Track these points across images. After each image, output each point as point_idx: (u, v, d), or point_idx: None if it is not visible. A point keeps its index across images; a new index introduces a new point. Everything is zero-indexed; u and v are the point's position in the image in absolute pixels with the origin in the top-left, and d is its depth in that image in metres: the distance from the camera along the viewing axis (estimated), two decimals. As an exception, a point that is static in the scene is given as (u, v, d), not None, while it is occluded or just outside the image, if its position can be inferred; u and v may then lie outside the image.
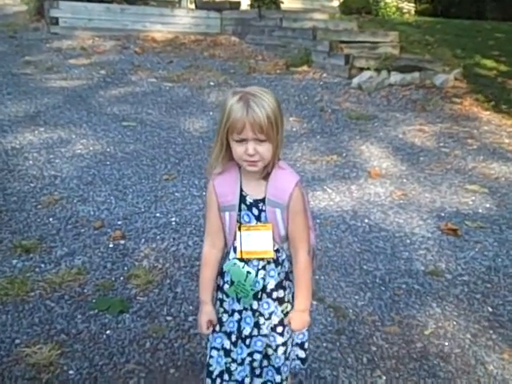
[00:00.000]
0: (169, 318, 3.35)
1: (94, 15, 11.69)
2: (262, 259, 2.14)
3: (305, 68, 9.67)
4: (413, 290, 3.77)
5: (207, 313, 2.21)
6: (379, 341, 3.25)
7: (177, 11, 12.59)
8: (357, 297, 3.66)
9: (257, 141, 1.97)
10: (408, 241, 4.38)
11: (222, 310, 2.22)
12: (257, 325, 2.19)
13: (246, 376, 2.22)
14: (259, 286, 2.13)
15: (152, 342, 3.14)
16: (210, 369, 2.26)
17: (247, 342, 2.20)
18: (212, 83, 8.62)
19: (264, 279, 2.14)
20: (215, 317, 2.22)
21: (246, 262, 2.13)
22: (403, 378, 2.97)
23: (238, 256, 2.13)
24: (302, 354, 2.36)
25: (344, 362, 3.05)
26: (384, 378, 2.96)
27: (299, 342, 2.33)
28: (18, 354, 2.98)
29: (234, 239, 2.15)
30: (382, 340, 3.25)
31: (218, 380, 2.24)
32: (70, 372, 2.89)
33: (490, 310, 3.61)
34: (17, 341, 3.09)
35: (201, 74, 9.09)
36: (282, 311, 2.23)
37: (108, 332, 3.21)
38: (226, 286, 2.18)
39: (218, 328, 2.23)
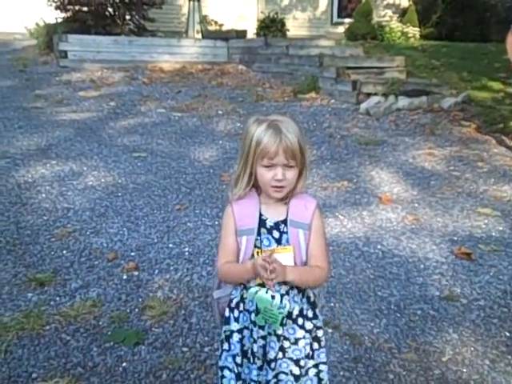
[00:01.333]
0: (184, 349, 3.34)
1: (103, 47, 11.87)
2: (285, 283, 2.11)
3: (312, 95, 9.75)
4: (428, 315, 3.74)
5: (252, 264, 2.05)
6: (396, 368, 3.22)
7: (184, 41, 12.76)
8: (372, 324, 3.64)
9: (285, 167, 2.01)
10: (422, 266, 4.37)
11: (251, 339, 2.16)
12: (282, 348, 2.17)
13: None
14: (286, 309, 2.09)
15: (168, 373, 3.13)
16: None
17: (272, 365, 2.18)
18: (220, 112, 8.70)
19: (285, 307, 2.08)
20: (253, 262, 2.06)
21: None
22: (422, 405, 2.95)
23: (259, 281, 2.09)
24: None
25: (362, 391, 3.03)
26: (403, 406, 2.94)
27: None
28: (35, 388, 2.98)
29: None
30: (400, 367, 3.23)
31: None
32: (88, 406, 2.89)
33: (508, 334, 3.57)
34: (34, 375, 3.09)
35: (209, 103, 9.18)
36: (310, 339, 2.22)
37: (124, 364, 3.20)
38: (253, 316, 2.14)
39: (245, 360, 2.20)
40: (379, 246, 4.66)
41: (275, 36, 13.57)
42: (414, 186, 5.99)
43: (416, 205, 5.52)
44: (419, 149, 7.16)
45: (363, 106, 8.82)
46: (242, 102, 9.36)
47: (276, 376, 2.19)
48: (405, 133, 7.87)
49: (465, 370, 3.23)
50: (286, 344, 2.17)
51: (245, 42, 12.89)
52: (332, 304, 3.81)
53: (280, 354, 2.17)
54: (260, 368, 2.19)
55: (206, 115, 8.49)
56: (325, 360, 2.28)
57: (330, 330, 3.50)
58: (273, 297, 2.07)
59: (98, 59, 11.72)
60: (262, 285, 2.08)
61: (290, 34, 14.10)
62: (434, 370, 3.22)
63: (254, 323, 2.15)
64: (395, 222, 5.13)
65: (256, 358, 2.17)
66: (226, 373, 2.23)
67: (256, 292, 2.08)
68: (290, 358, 2.18)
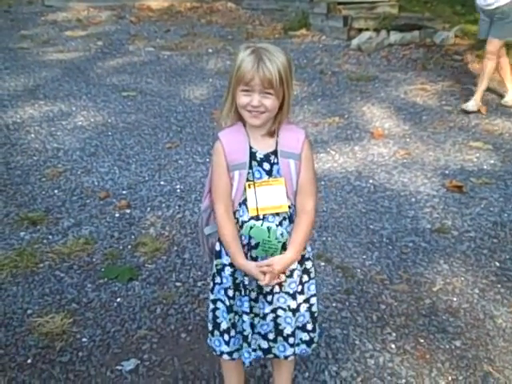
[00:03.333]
0: (178, 284, 3.37)
1: (88, -14, 11.55)
2: (278, 214, 2.10)
3: (303, 31, 9.58)
4: (420, 247, 3.78)
5: (251, 266, 2.08)
6: (388, 299, 3.26)
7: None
8: (364, 256, 3.67)
9: (263, 93, 1.97)
10: (413, 199, 4.38)
11: (240, 271, 2.15)
12: (278, 282, 2.16)
13: (270, 331, 2.21)
14: (284, 237, 2.09)
15: (162, 308, 3.16)
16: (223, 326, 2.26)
17: (269, 298, 2.18)
18: (210, 50, 8.56)
19: (282, 235, 2.09)
20: (255, 265, 2.08)
21: (263, 218, 2.09)
22: (413, 334, 2.99)
23: (252, 214, 2.08)
24: (305, 337, 2.30)
25: (354, 321, 3.07)
26: (394, 334, 2.98)
27: (300, 324, 2.27)
28: (31, 323, 3.01)
29: (241, 200, 2.10)
30: (391, 298, 3.27)
31: (231, 333, 2.23)
32: (83, 339, 2.92)
33: (498, 264, 3.61)
34: (29, 311, 3.12)
35: (199, 41, 9.02)
36: (302, 268, 2.22)
37: (118, 300, 3.23)
38: (245, 249, 2.12)
39: (237, 293, 2.19)
40: (371, 181, 4.66)
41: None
42: (406, 121, 5.96)
43: (408, 139, 5.50)
44: (411, 84, 7.09)
45: (354, 41, 8.67)
46: (231, 39, 9.19)
47: (274, 311, 2.20)
48: (396, 68, 7.78)
49: (455, 299, 3.28)
50: (282, 277, 2.16)
51: (234, -22, 12.57)
52: (324, 238, 3.83)
53: (277, 288, 2.17)
54: (255, 300, 2.19)
55: (195, 54, 8.35)
56: (314, 292, 2.29)
57: (322, 264, 3.54)
58: (268, 228, 2.07)
59: (83, -2, 11.43)
60: (255, 218, 2.08)
61: (280, -31, 13.75)
62: (425, 299, 3.27)
63: (245, 256, 2.13)
64: (387, 156, 5.12)
65: (250, 291, 2.17)
66: (219, 305, 2.23)
67: (251, 227, 2.07)
68: (287, 292, 2.19)
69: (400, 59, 8.13)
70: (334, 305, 3.19)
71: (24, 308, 3.14)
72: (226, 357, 2.27)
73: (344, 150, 5.24)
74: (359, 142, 5.43)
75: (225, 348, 2.25)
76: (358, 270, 3.52)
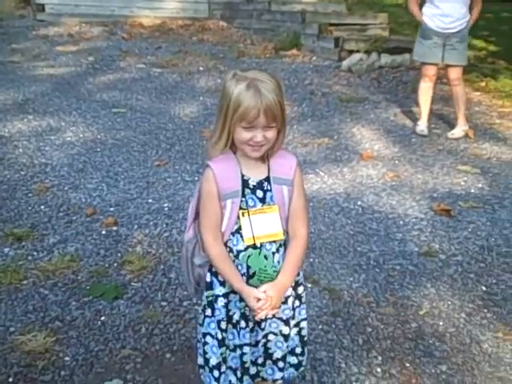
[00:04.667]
0: (163, 304, 3.34)
1: (81, 1, 11.57)
2: (274, 242, 2.08)
3: (294, 51, 9.64)
4: (407, 270, 3.77)
5: (250, 292, 2.05)
6: (374, 322, 3.25)
7: (164, -4, 12.46)
8: (351, 279, 3.66)
9: (265, 128, 1.94)
10: (401, 222, 4.39)
11: (236, 304, 2.13)
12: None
13: (260, 356, 2.19)
14: (279, 266, 2.08)
15: (147, 327, 3.13)
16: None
17: (262, 325, 2.15)
18: (201, 68, 8.58)
19: (279, 262, 2.09)
20: (256, 291, 2.06)
21: (260, 247, 2.07)
22: (399, 357, 2.98)
23: (248, 243, 2.05)
24: (293, 360, 2.27)
25: (340, 344, 3.06)
26: (380, 358, 2.97)
27: (289, 348, 2.24)
28: (13, 341, 2.97)
29: (233, 229, 2.07)
30: (377, 321, 3.26)
31: (221, 368, 2.19)
32: (66, 358, 2.89)
33: (484, 289, 3.61)
34: (11, 329, 3.08)
35: (190, 59, 9.04)
36: (296, 293, 2.21)
37: (103, 318, 3.20)
38: (244, 278, 2.08)
39: (231, 326, 2.16)
40: (359, 202, 4.66)
41: (257, -9, 13.32)
42: (395, 143, 5.98)
43: (396, 162, 5.52)
44: (401, 106, 7.13)
45: (345, 63, 8.73)
46: (223, 58, 9.23)
47: (265, 336, 2.17)
48: (386, 90, 7.83)
49: (441, 323, 3.27)
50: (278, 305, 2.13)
51: (226, -3, 12.63)
52: (311, 259, 3.82)
53: (270, 314, 2.12)
54: (251, 330, 2.16)
55: (186, 71, 8.37)
56: (305, 316, 2.27)
57: (309, 285, 3.52)
58: (266, 256, 2.05)
59: (76, 13, 11.43)
60: (252, 246, 2.06)
61: (272, -11, 13.84)
62: (411, 323, 3.26)
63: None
64: (376, 178, 5.13)
65: (249, 321, 2.14)
66: (209, 339, 2.17)
67: (249, 256, 2.06)
68: (280, 318, 2.17)
69: (390, 81, 8.20)
70: (320, 327, 3.17)
71: (6, 325, 3.10)
72: None
73: (333, 171, 5.24)
74: (348, 163, 5.44)
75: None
76: (345, 292, 3.50)
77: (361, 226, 4.30)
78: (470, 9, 5.92)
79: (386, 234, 4.22)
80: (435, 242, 4.13)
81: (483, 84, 8.31)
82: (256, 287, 2.07)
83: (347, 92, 7.67)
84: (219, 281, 2.14)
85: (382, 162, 5.48)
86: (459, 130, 6.19)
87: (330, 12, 11.06)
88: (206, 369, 2.20)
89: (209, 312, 2.17)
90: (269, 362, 2.20)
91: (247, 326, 2.14)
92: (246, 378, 2.17)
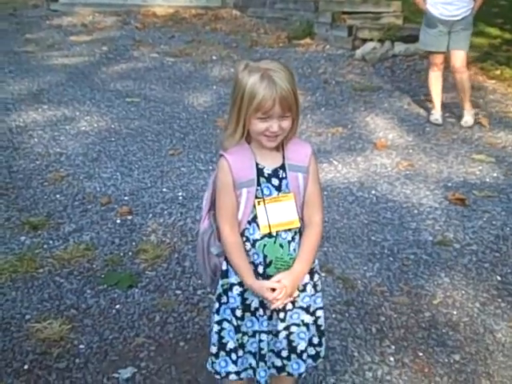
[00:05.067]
0: (178, 292, 3.36)
1: (94, -9, 11.58)
2: (290, 230, 2.08)
3: (307, 40, 9.58)
4: (421, 260, 3.77)
5: (261, 287, 2.05)
6: (388, 311, 3.25)
7: (177, -15, 12.44)
8: (365, 268, 3.66)
9: (281, 117, 1.94)
10: (415, 211, 4.37)
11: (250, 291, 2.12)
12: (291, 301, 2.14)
13: (283, 349, 2.17)
14: (295, 254, 2.08)
15: (161, 315, 3.16)
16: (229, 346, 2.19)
17: (281, 315, 2.14)
18: (215, 57, 8.57)
19: (295, 250, 2.09)
20: (265, 284, 2.05)
21: (275, 235, 2.06)
22: (412, 347, 2.98)
23: (265, 231, 2.05)
24: (311, 351, 2.26)
25: (353, 333, 3.06)
26: (393, 347, 2.97)
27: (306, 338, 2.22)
28: (29, 329, 3.01)
29: (250, 218, 2.06)
30: (391, 310, 3.26)
31: (238, 353, 2.18)
32: (81, 346, 2.92)
33: (499, 278, 3.60)
34: (27, 316, 3.12)
35: (203, 48, 9.03)
36: (313, 281, 2.20)
37: (117, 306, 3.23)
38: (260, 268, 2.08)
39: (250, 314, 2.15)
40: (373, 192, 4.66)
41: (271, -20, 13.26)
42: (409, 133, 5.95)
43: (411, 151, 5.49)
44: (415, 95, 7.08)
45: (359, 51, 8.68)
46: (236, 47, 9.21)
47: (287, 328, 2.16)
48: (400, 79, 7.78)
49: (455, 313, 3.27)
50: (295, 293, 2.13)
51: (239, -15, 12.59)
52: (325, 248, 3.82)
53: (289, 305, 2.13)
54: (269, 317, 2.15)
55: (199, 60, 8.36)
56: (321, 305, 2.26)
57: (323, 274, 3.51)
58: (281, 245, 2.06)
59: (89, 3, 11.46)
60: (268, 235, 2.05)
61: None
62: (425, 312, 3.26)
63: (262, 275, 2.09)
64: (389, 167, 5.11)
65: (266, 309, 2.13)
66: (226, 325, 2.17)
67: (265, 245, 2.06)
68: (301, 307, 2.16)
69: (404, 70, 8.14)
70: (333, 316, 3.19)
71: (22, 313, 3.14)
72: (233, 377, 2.19)
73: (347, 160, 5.24)
74: (362, 152, 5.43)
75: (232, 368, 2.17)
76: (359, 282, 3.51)
77: (375, 216, 4.30)
78: None
79: (400, 223, 4.21)
80: (449, 232, 4.11)
81: (498, 72, 8.23)
82: (269, 277, 2.07)
83: (361, 81, 7.63)
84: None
85: (396, 151, 5.46)
86: (470, 117, 6.15)
87: (344, 0, 11.00)
88: (222, 353, 2.18)
89: (224, 299, 2.17)
90: (293, 355, 2.17)
91: (265, 313, 2.13)
92: (261, 364, 2.17)
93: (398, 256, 3.80)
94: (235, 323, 2.15)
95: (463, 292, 3.45)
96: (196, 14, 11.35)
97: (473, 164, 5.25)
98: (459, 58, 6.02)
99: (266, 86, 1.90)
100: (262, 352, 2.15)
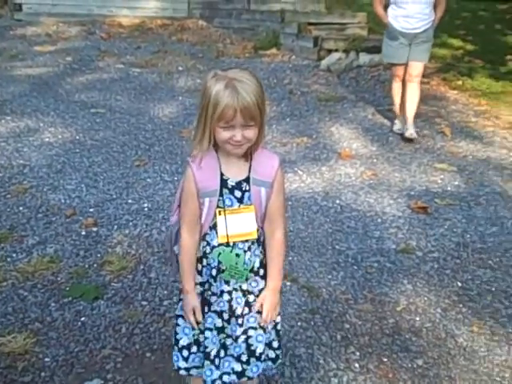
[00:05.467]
0: (144, 303, 3.35)
1: (58, 0, 11.49)
2: (247, 241, 2.13)
3: (273, 51, 9.68)
4: (385, 267, 3.83)
5: (193, 300, 2.18)
6: (352, 318, 3.30)
7: (143, -5, 12.41)
8: (330, 276, 3.70)
9: (244, 126, 1.96)
10: (379, 220, 4.44)
11: (209, 292, 2.19)
12: (247, 303, 2.20)
13: (243, 353, 2.22)
14: (250, 264, 2.14)
15: (128, 327, 3.15)
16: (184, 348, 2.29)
17: (239, 320, 2.20)
18: (181, 68, 8.59)
19: (250, 260, 2.14)
20: (198, 304, 2.19)
21: (232, 245, 2.12)
22: (376, 353, 3.03)
23: (222, 241, 2.11)
24: (271, 354, 2.35)
25: (318, 340, 3.10)
26: (358, 353, 3.01)
27: (267, 341, 2.30)
28: (-7, 343, 2.98)
29: (211, 224, 2.12)
30: (356, 317, 3.31)
31: (191, 349, 2.28)
32: (46, 359, 2.89)
33: (460, 284, 3.68)
34: (-9, 330, 3.08)
35: (169, 59, 9.04)
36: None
37: (83, 319, 3.21)
38: (214, 272, 2.15)
39: (206, 309, 2.21)
40: (338, 201, 4.71)
41: (237, -10, 13.32)
42: (373, 142, 6.05)
43: (374, 160, 5.58)
44: (379, 105, 7.20)
45: (324, 62, 8.79)
46: (202, 58, 9.24)
47: (245, 332, 2.22)
48: (365, 89, 7.91)
49: (418, 319, 3.33)
50: (251, 298, 2.20)
51: (206, -4, 12.62)
52: (290, 258, 3.85)
53: (246, 310, 2.20)
54: (227, 321, 2.20)
55: (165, 71, 8.37)
56: (280, 311, 2.33)
57: (288, 283, 3.56)
58: (237, 255, 2.10)
59: (53, 13, 11.36)
60: (227, 244, 2.11)
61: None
62: (389, 319, 3.31)
63: (214, 278, 2.16)
64: (354, 177, 5.18)
65: (223, 313, 2.19)
66: (180, 321, 2.28)
67: (220, 253, 2.12)
68: (258, 312, 2.22)
69: (368, 80, 8.27)
70: (299, 324, 3.22)
71: (-14, 327, 3.11)
72: (183, 372, 2.32)
73: (311, 170, 5.29)
74: (327, 162, 5.49)
75: (182, 364, 2.29)
76: (324, 290, 3.55)
77: (339, 225, 4.35)
78: (435, 8, 5.94)
79: (363, 231, 4.27)
80: (412, 239, 4.19)
81: (460, 83, 8.43)
82: (227, 282, 2.16)
83: (326, 91, 7.72)
84: (197, 270, 2.19)
85: (360, 161, 5.54)
86: (414, 130, 6.10)
87: (309, 11, 11.12)
88: (175, 348, 2.30)
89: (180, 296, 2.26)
90: (252, 359, 2.23)
91: (215, 310, 2.20)
92: (207, 363, 2.22)
93: (362, 264, 3.85)
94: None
95: (425, 298, 3.52)
96: (162, 24, 11.35)
97: (435, 173, 5.35)
98: (417, 68, 6.09)
99: (228, 95, 1.92)
100: (207, 350, 2.22)
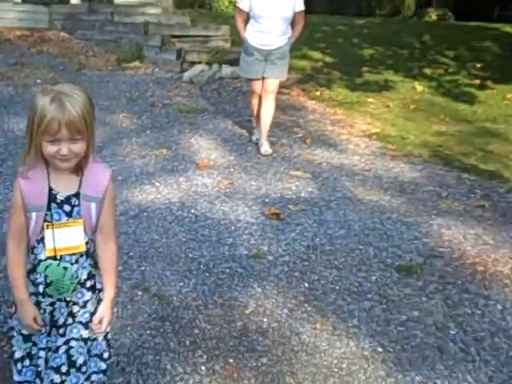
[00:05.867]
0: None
1: None
2: (75, 254, 2.15)
3: (137, 63, 9.66)
4: (236, 273, 3.95)
5: (32, 310, 2.14)
6: (202, 323, 3.38)
7: (1, 5, 11.95)
8: (181, 284, 3.77)
9: (71, 140, 1.97)
10: (233, 227, 4.57)
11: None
12: (71, 313, 2.21)
13: (63, 364, 2.22)
14: (78, 277, 2.15)
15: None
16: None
17: (61, 331, 2.21)
18: (39, 81, 8.35)
19: (77, 272, 2.16)
20: (37, 312, 2.16)
21: (59, 258, 2.12)
22: (223, 355, 3.13)
23: (49, 254, 2.11)
24: (103, 366, 2.35)
25: (167, 347, 3.15)
26: (205, 357, 3.10)
27: (98, 352, 2.32)
28: None
29: (39, 237, 2.12)
30: (205, 322, 3.39)
31: (24, 362, 2.25)
32: None
33: (307, 285, 3.86)
34: None
35: (27, 71, 8.77)
36: (97, 299, 2.27)
37: None
38: (41, 288, 2.15)
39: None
40: (193, 211, 4.80)
41: (101, 2, 13.14)
42: (232, 152, 6.20)
43: (232, 170, 5.72)
44: (239, 116, 7.39)
45: (187, 74, 8.90)
46: (62, 70, 9.05)
47: (67, 342, 2.23)
48: (226, 101, 8.08)
49: (265, 320, 3.47)
50: (75, 308, 2.21)
51: (68, 7, 12.32)
52: (143, 268, 3.89)
53: (70, 320, 2.21)
54: (49, 334, 2.21)
55: (22, 84, 8.11)
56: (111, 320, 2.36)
57: (139, 293, 3.59)
58: (65, 268, 2.11)
59: None
60: (54, 257, 2.12)
61: (117, 0, 13.72)
62: (237, 322, 3.43)
63: (42, 295, 2.16)
64: (210, 186, 5.29)
65: (45, 326, 2.19)
66: (14, 333, 2.26)
67: (47, 266, 2.12)
68: (80, 322, 2.23)
69: (230, 92, 8.46)
70: (148, 332, 3.26)
71: None
72: None
73: (169, 181, 5.35)
74: (184, 173, 5.57)
75: (16, 377, 2.26)
76: (175, 298, 3.61)
77: (193, 233, 4.44)
78: (293, 25, 6.12)
79: (217, 239, 4.38)
80: (264, 245, 4.35)
81: (318, 93, 8.82)
82: (51, 296, 2.16)
83: (187, 103, 7.82)
84: (30, 280, 2.18)
85: (218, 171, 5.67)
86: (268, 145, 6.22)
87: (174, 24, 11.21)
88: (12, 361, 2.28)
89: (13, 309, 2.24)
90: (73, 370, 2.24)
91: (45, 330, 2.19)
92: (38, 381, 2.22)
93: (214, 271, 3.95)
94: (25, 332, 2.20)
95: (274, 300, 3.67)
96: (21, 35, 10.99)
97: (290, 180, 5.57)
98: (272, 84, 6.22)
99: (54, 109, 1.93)
100: (39, 369, 2.21)
